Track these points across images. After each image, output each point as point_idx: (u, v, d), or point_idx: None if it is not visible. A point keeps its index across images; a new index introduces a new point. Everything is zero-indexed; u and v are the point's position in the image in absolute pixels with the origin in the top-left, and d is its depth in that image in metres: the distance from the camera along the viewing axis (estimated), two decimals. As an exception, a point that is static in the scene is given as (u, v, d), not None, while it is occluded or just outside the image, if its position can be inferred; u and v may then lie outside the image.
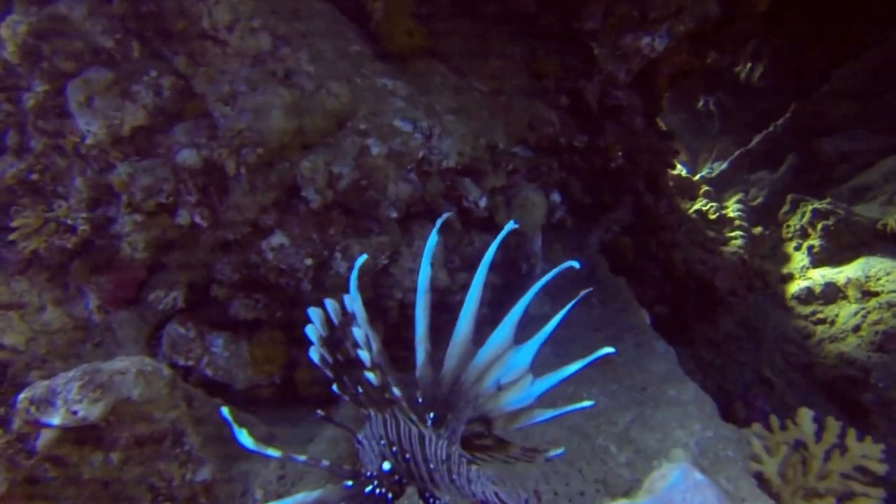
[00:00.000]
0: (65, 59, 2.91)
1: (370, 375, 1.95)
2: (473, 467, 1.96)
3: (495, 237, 3.90)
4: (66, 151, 3.15)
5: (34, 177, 3.26)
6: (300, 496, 1.94)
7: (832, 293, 6.12)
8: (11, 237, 3.27)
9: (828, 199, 6.75)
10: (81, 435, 2.76)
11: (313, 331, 2.15)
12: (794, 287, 6.51)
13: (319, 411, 2.19)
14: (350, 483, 2.09)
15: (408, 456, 2.04)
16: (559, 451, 2.21)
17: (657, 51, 4.19)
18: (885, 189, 7.03)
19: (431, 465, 2.00)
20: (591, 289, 2.07)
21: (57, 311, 3.63)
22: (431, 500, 2.11)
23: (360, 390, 2.11)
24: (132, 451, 2.86)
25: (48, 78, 2.99)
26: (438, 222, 2.15)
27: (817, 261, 6.60)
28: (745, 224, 7.48)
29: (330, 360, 2.14)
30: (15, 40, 2.84)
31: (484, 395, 2.05)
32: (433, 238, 2.12)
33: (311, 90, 3.07)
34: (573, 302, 2.02)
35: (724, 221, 7.70)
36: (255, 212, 3.12)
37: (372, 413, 2.12)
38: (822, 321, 6.07)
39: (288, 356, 3.76)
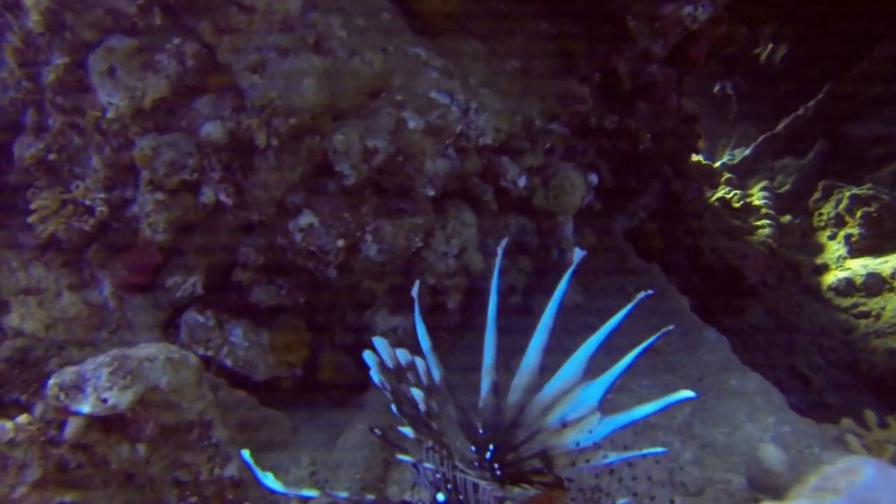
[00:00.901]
0: (87, 27, 2.87)
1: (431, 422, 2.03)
2: None
3: (532, 220, 3.89)
4: (84, 129, 3.12)
5: (52, 157, 3.23)
6: None
7: (876, 285, 6.05)
8: (30, 219, 3.24)
9: (868, 185, 6.72)
10: (108, 424, 2.73)
11: (372, 357, 2.23)
12: (831, 278, 6.47)
13: (377, 430, 2.21)
14: None
15: (462, 497, 2.03)
16: (624, 501, 2.20)
17: (699, 21, 4.16)
18: (931, 173, 7.03)
19: None
20: (672, 327, 2.06)
21: (73, 298, 3.60)
22: None
23: (421, 415, 2.14)
24: (158, 442, 2.83)
25: (69, 49, 2.95)
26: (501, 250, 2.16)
27: (856, 250, 6.55)
28: (771, 212, 7.48)
29: (389, 386, 2.19)
30: (38, 8, 2.80)
31: (548, 430, 2.03)
32: (498, 267, 2.12)
33: (344, 58, 3.03)
34: (653, 338, 1.97)
35: (750, 210, 7.70)
36: (283, 190, 3.08)
37: (430, 444, 2.12)
38: (866, 314, 6.01)
39: (310, 346, 3.73)
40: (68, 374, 2.57)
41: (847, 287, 6.22)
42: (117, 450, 2.77)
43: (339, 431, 3.46)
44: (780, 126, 8.22)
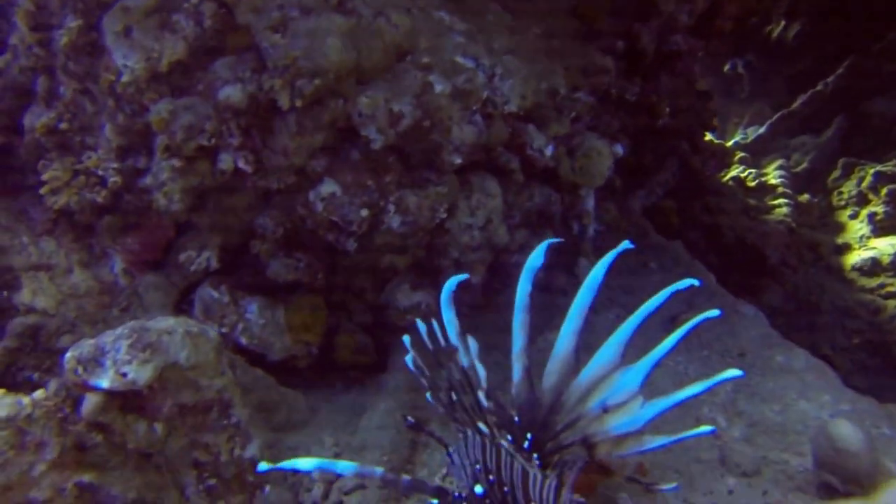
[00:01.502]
0: (102, -16, 2.78)
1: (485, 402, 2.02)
2: None
3: (556, 192, 3.78)
4: (97, 96, 3.02)
5: (63, 126, 3.16)
6: None
7: (906, 264, 6.00)
8: (42, 190, 3.16)
9: (894, 161, 6.61)
10: (125, 402, 2.65)
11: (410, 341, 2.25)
12: (855, 258, 6.37)
13: (410, 418, 2.17)
14: (436, 502, 2.04)
15: (507, 489, 2.00)
16: (672, 485, 2.15)
17: (728, -13, 4.06)
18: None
19: None
20: (717, 312, 1.96)
21: (84, 274, 3.53)
22: None
23: (456, 403, 2.13)
24: (176, 421, 2.75)
25: (83, 9, 2.87)
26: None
27: (881, 229, 6.44)
28: (788, 191, 7.39)
29: (427, 371, 2.20)
30: (52, -33, 2.71)
31: (587, 416, 1.99)
32: (536, 256, 2.06)
33: (369, 18, 2.93)
34: (697, 320, 1.93)
35: (765, 189, 7.59)
36: (304, 156, 2.98)
37: (469, 433, 2.12)
38: (894, 295, 5.95)
39: (327, 324, 3.65)
40: (86, 346, 2.50)
41: (873, 266, 6.13)
42: (134, 429, 2.70)
43: (359, 413, 3.39)
44: (797, 103, 8.10)
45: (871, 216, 6.56)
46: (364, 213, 3.05)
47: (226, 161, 2.94)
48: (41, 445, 2.48)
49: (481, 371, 2.15)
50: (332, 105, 2.93)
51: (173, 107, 2.84)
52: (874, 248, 6.33)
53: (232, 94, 2.84)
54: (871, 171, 6.71)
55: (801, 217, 7.05)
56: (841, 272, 6.52)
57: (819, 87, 7.84)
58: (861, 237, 6.65)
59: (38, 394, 2.56)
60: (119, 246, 3.52)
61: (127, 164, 3.22)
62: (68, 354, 2.51)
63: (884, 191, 6.47)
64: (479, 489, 2.13)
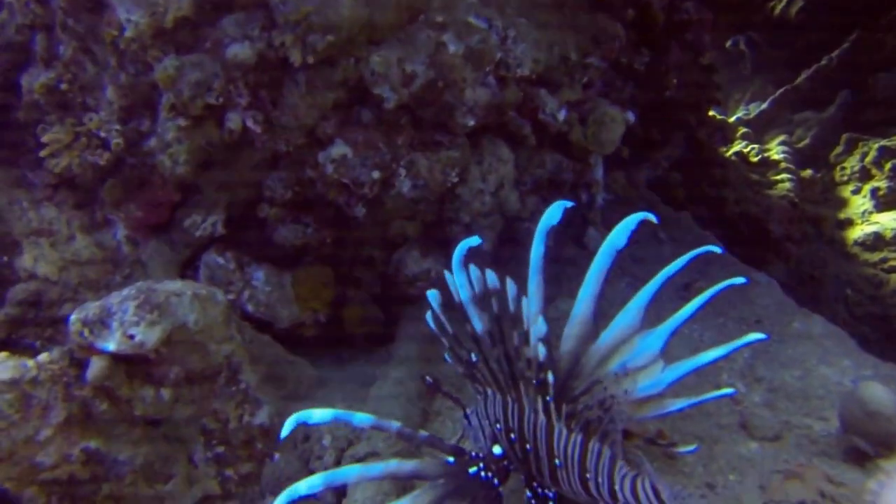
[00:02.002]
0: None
1: (542, 350, 1.89)
2: (624, 468, 1.84)
3: (569, 158, 3.67)
4: (98, 56, 2.89)
5: (63, 86, 3.04)
6: (393, 463, 1.89)
7: (907, 238, 5.97)
8: (43, 153, 3.04)
9: (897, 137, 6.55)
10: (132, 367, 2.56)
11: (436, 296, 2.12)
12: (857, 233, 6.34)
13: (429, 378, 2.11)
14: (452, 460, 2.01)
15: (529, 447, 1.96)
16: (691, 447, 2.10)
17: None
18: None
19: (558, 462, 1.91)
20: (744, 279, 2.00)
21: (86, 241, 3.42)
22: (540, 492, 2.02)
23: (476, 364, 2.08)
24: (184, 387, 2.67)
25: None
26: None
27: (884, 204, 6.40)
28: (791, 166, 7.31)
29: (451, 329, 2.10)
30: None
31: (608, 379, 1.95)
32: (551, 214, 1.99)
33: (381, -25, 2.82)
34: (720, 287, 1.93)
35: (768, 164, 7.51)
36: (314, 117, 2.87)
37: (490, 392, 2.07)
38: (896, 269, 5.92)
39: (334, 293, 3.56)
40: (92, 308, 2.40)
41: (875, 241, 6.10)
42: (141, 395, 2.62)
43: (368, 383, 3.31)
44: (801, 78, 7.98)
45: (874, 191, 6.51)
46: (375, 174, 2.95)
47: (234, 120, 2.83)
48: (46, 409, 2.40)
49: (533, 305, 2.02)
50: (343, 64, 2.82)
51: (180, 63, 2.72)
52: (877, 222, 6.30)
53: (240, 52, 2.72)
54: (875, 146, 6.64)
55: (803, 192, 6.98)
56: (843, 247, 6.48)
57: (824, 62, 7.72)
58: (864, 212, 6.60)
59: (43, 357, 2.48)
60: (122, 212, 3.42)
61: (130, 126, 3.10)
62: (73, 317, 2.41)
63: (888, 165, 6.41)
64: (497, 450, 2.08)
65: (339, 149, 2.93)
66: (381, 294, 3.62)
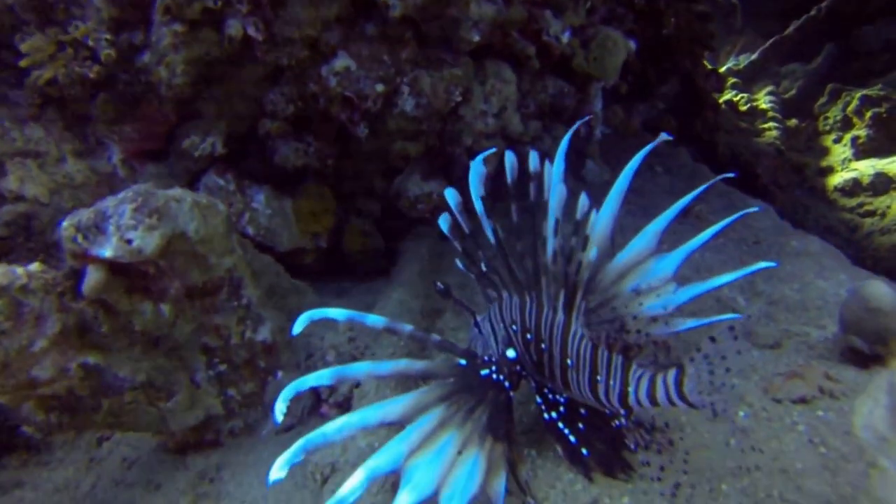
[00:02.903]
0: None
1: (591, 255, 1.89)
2: (640, 370, 1.82)
3: (570, 83, 3.52)
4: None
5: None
6: (403, 362, 1.82)
7: (883, 184, 5.93)
8: (22, 63, 2.80)
9: (879, 86, 6.50)
10: (130, 280, 2.41)
11: (454, 195, 2.07)
12: (837, 179, 6.33)
13: (439, 283, 2.02)
14: (465, 362, 1.97)
15: (544, 346, 1.94)
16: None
17: None
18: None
19: (569, 361, 1.89)
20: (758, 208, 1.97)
21: (79, 164, 3.22)
22: (550, 396, 1.99)
23: (490, 269, 2.06)
24: (184, 303, 2.53)
25: None
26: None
27: (863, 152, 6.41)
28: (778, 115, 7.26)
29: (468, 229, 2.06)
30: None
31: (622, 297, 1.98)
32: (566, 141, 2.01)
33: None
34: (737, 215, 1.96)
35: (756, 113, 7.47)
36: (317, 27, 2.69)
37: (506, 295, 2.04)
38: (871, 213, 5.90)
39: (336, 217, 3.42)
40: (86, 212, 2.23)
41: (854, 187, 6.11)
42: (140, 309, 2.48)
43: (369, 307, 3.21)
44: (791, 28, 7.87)
45: (854, 139, 6.52)
46: (380, 87, 2.79)
47: (234, 27, 2.63)
48: (40, 319, 2.24)
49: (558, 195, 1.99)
50: (346, -30, 2.63)
51: (174, -42, 2.51)
52: (855, 169, 6.31)
53: (238, -49, 2.51)
54: (858, 95, 6.60)
55: (789, 141, 6.95)
56: (824, 193, 6.48)
57: (812, 13, 7.60)
58: (843, 160, 6.60)
59: (34, 266, 2.30)
60: (116, 134, 3.22)
61: (122, 38, 2.87)
62: (65, 222, 2.23)
63: (868, 114, 6.40)
64: (511, 353, 2.01)
65: (342, 61, 2.76)
66: (382, 220, 3.50)
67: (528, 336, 1.97)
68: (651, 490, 1.80)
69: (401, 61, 2.82)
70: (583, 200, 1.99)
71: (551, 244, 1.91)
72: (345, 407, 2.54)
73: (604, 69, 3.48)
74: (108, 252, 2.18)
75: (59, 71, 2.80)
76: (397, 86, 2.85)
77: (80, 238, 2.20)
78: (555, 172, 2.02)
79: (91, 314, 2.37)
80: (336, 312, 1.73)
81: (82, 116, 3.22)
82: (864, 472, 1.21)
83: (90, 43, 2.80)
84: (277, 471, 1.54)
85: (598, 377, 1.85)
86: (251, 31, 2.62)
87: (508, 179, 2.07)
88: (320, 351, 2.77)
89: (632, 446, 1.84)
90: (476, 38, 2.89)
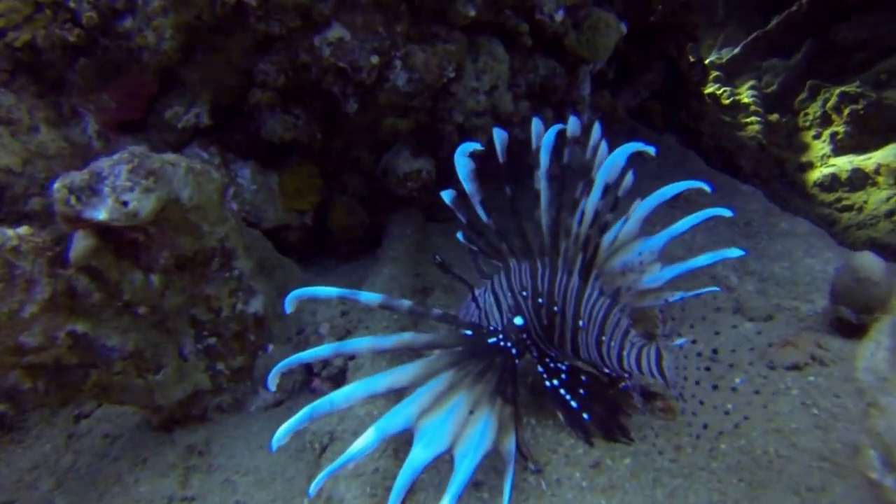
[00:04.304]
0: None
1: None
2: (636, 338, 1.98)
3: (562, 63, 3.61)
4: None
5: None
6: (407, 335, 1.90)
7: (860, 179, 6.19)
8: (-2, 24, 2.75)
9: (857, 83, 6.76)
10: (119, 247, 2.42)
11: (466, 163, 2.14)
12: (816, 175, 6.58)
13: (437, 256, 2.15)
14: (470, 332, 2.07)
15: (556, 308, 2.06)
16: (683, 340, 2.23)
17: None
18: (915, 76, 7.12)
19: (581, 322, 2.02)
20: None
21: (53, 134, 3.17)
22: (552, 364, 2.11)
23: (499, 236, 2.16)
24: (174, 275, 2.54)
25: None
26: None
27: (841, 148, 6.67)
28: (760, 110, 7.48)
29: (480, 195, 2.14)
30: None
31: (609, 273, 2.16)
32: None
33: None
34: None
35: (739, 107, 7.69)
36: (311, -5, 2.73)
37: (514, 263, 2.15)
38: (849, 208, 6.15)
39: (321, 193, 3.45)
40: (79, 174, 2.23)
41: (832, 182, 6.37)
42: (130, 278, 2.48)
43: (357, 286, 3.24)
44: (772, 24, 8.12)
45: (833, 136, 6.78)
46: (374, 59, 2.84)
47: (226, -9, 2.64)
48: (31, 283, 2.23)
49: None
50: (342, -64, 2.67)
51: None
52: (834, 164, 6.57)
53: (233, -86, 2.54)
54: (836, 91, 6.86)
55: (770, 135, 7.16)
56: (803, 188, 6.71)
57: (794, 8, 7.85)
58: (822, 156, 6.86)
59: (24, 229, 2.29)
60: (92, 103, 3.20)
61: (102, 1, 2.85)
62: (57, 184, 2.22)
63: (846, 111, 6.66)
64: (518, 320, 2.09)
65: (336, 31, 2.80)
66: (369, 197, 3.54)
67: (540, 300, 2.07)
68: (651, 451, 1.90)
69: (395, 33, 2.87)
70: (629, 178, 2.23)
71: (591, 207, 2.02)
72: (338, 380, 2.59)
73: (595, 50, 3.57)
74: (102, 214, 2.18)
75: (39, 33, 2.77)
76: (390, 59, 2.90)
77: (73, 200, 2.19)
78: (603, 142, 2.24)
79: (80, 281, 2.37)
80: (328, 290, 1.80)
81: (56, 84, 3.19)
82: (864, 413, 1.31)
83: (71, 4, 2.77)
84: (281, 438, 1.60)
85: (604, 337, 1.98)
86: (245, -3, 2.64)
87: (500, 158, 2.16)
88: (312, 325, 2.81)
89: (640, 407, 1.95)
90: (472, 13, 2.96)
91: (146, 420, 2.71)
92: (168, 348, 2.60)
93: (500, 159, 2.14)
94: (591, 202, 2.01)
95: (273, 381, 1.77)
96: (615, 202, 1.99)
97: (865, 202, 6.22)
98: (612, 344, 1.98)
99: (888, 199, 5.91)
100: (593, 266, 2.03)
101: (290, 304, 1.81)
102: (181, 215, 2.43)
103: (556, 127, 2.20)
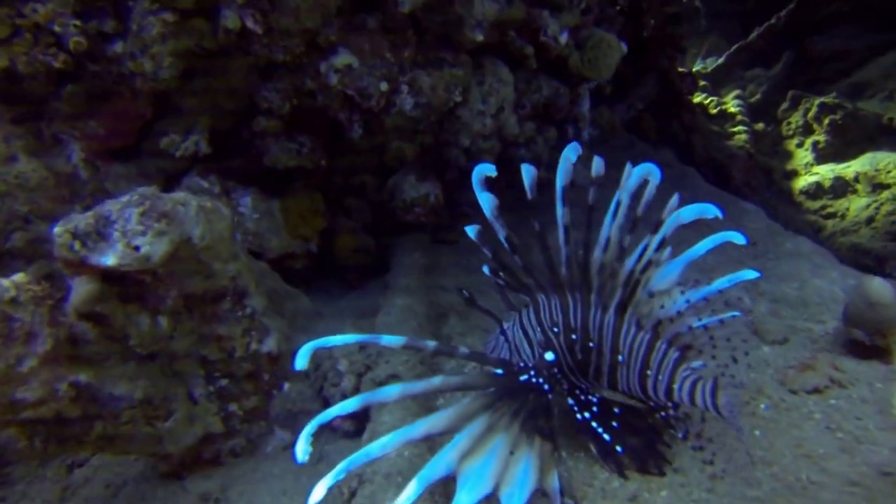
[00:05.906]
0: None
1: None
2: (688, 370, 1.99)
3: (567, 84, 3.65)
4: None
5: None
6: (437, 380, 1.85)
7: (841, 187, 6.39)
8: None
9: (833, 94, 7.00)
10: (124, 289, 2.33)
11: (489, 199, 2.08)
12: (802, 182, 6.76)
13: (465, 291, 2.15)
14: (501, 371, 2.06)
15: (592, 344, 2.05)
16: (700, 362, 2.23)
17: None
18: (885, 86, 7.38)
19: (621, 357, 2.02)
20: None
21: (33, 163, 3.04)
22: (582, 397, 2.12)
23: (525, 273, 2.13)
24: (183, 315, 2.46)
25: None
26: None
27: (822, 156, 6.88)
28: (746, 119, 7.64)
29: (505, 231, 2.09)
30: None
31: (639, 303, 2.09)
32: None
33: None
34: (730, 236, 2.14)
35: (726, 117, 7.83)
36: (317, 19, 2.68)
37: (542, 298, 2.13)
38: (833, 215, 6.35)
39: (325, 221, 3.40)
40: (83, 217, 2.13)
41: (816, 190, 6.57)
42: (136, 321, 2.39)
43: (365, 315, 3.21)
44: (753, 35, 8.31)
45: (815, 145, 6.97)
46: (384, 85, 2.80)
47: (230, 18, 2.58)
48: (31, 336, 2.12)
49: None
50: (350, -38, 2.64)
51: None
52: (817, 173, 6.77)
53: (237, -61, 2.49)
54: (817, 102, 7.06)
55: (757, 144, 7.33)
56: (790, 196, 6.89)
57: (773, 20, 8.05)
58: (806, 164, 7.05)
59: (19, 277, 2.18)
60: (78, 130, 3.08)
61: (90, 24, 2.75)
62: (58, 228, 2.11)
63: (826, 120, 6.86)
64: (549, 356, 2.09)
65: (343, 58, 2.76)
66: (373, 222, 3.50)
67: (574, 336, 2.05)
68: (688, 483, 1.93)
69: (402, 58, 2.85)
70: (673, 200, 2.10)
71: (622, 242, 2.02)
72: (361, 417, 2.54)
73: (599, 69, 3.60)
74: (111, 260, 2.09)
75: (19, 59, 2.66)
76: (397, 85, 2.88)
77: (77, 245, 2.10)
78: (635, 173, 2.13)
79: (82, 328, 2.28)
80: (345, 338, 1.76)
81: (35, 109, 3.07)
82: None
83: (56, 28, 2.67)
84: (319, 493, 1.56)
85: (649, 371, 1.98)
86: (250, 24, 2.58)
87: (529, 195, 2.12)
88: (329, 361, 2.75)
89: (680, 435, 2.00)
90: (479, 38, 2.95)
91: (151, 466, 2.63)
92: (178, 392, 2.51)
93: (530, 195, 2.13)
94: (651, 249, 2.02)
95: (301, 451, 1.68)
96: (662, 242, 2.00)
97: (847, 209, 6.42)
98: (660, 378, 1.99)
99: (867, 205, 6.12)
100: (630, 303, 2.03)
101: (302, 359, 1.70)
102: (192, 255, 2.35)
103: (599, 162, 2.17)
